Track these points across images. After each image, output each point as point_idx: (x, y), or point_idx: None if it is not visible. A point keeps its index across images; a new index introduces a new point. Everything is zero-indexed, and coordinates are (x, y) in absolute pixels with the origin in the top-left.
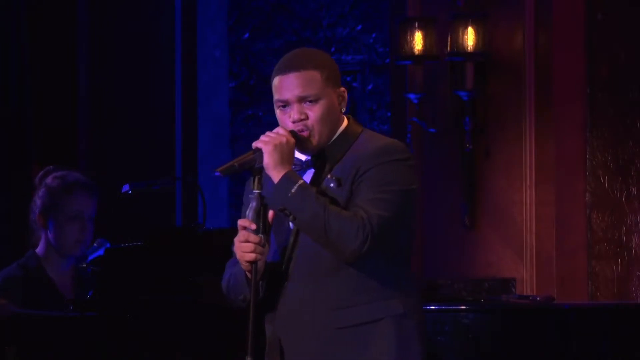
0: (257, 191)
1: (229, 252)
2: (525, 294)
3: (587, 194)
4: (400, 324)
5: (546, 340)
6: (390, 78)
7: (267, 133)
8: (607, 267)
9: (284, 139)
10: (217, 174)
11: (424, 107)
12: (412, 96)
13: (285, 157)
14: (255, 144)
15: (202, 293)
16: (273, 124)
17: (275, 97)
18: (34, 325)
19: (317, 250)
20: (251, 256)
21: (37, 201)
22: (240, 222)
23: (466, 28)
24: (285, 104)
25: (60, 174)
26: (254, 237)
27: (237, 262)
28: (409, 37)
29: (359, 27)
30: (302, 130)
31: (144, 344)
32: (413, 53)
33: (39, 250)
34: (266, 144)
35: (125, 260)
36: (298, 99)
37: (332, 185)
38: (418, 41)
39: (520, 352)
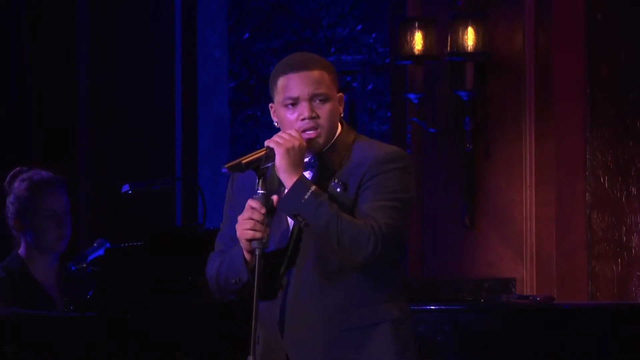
0: (262, 192)
1: None
2: (525, 294)
3: (587, 194)
4: (397, 328)
5: (546, 340)
6: (390, 78)
7: (281, 134)
8: (607, 267)
9: (297, 143)
10: (225, 170)
11: (424, 107)
12: (412, 96)
13: (298, 160)
14: (267, 143)
15: (202, 293)
16: (272, 124)
17: (282, 95)
18: (34, 325)
19: (321, 252)
20: (249, 233)
21: (10, 207)
22: (251, 202)
23: (466, 28)
24: (295, 102)
25: (26, 175)
26: (257, 215)
27: (226, 250)
28: (409, 37)
29: (359, 27)
30: (312, 129)
31: (144, 344)
32: (413, 53)
33: (21, 251)
34: (279, 145)
35: (125, 260)
36: (310, 97)
37: (338, 190)
38: (418, 41)
39: (520, 352)
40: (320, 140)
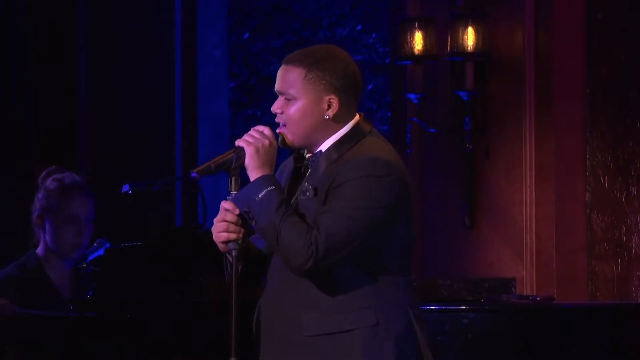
0: (235, 192)
1: None
2: (525, 294)
3: (587, 194)
4: (372, 335)
5: (546, 340)
6: (390, 78)
7: (251, 133)
8: (607, 267)
9: (267, 142)
10: (194, 174)
11: (424, 107)
12: (412, 96)
13: (267, 159)
14: (238, 143)
15: (202, 293)
16: (272, 124)
17: None
18: (34, 325)
19: None
20: (223, 235)
21: (37, 202)
22: (224, 204)
23: (466, 28)
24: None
25: (59, 176)
26: (230, 216)
27: None
28: (409, 37)
29: (359, 27)
30: (281, 124)
31: (144, 344)
32: (413, 53)
33: (39, 250)
34: (249, 144)
35: (125, 260)
36: (279, 93)
37: (308, 194)
38: (418, 41)
39: (520, 352)
40: (286, 138)
